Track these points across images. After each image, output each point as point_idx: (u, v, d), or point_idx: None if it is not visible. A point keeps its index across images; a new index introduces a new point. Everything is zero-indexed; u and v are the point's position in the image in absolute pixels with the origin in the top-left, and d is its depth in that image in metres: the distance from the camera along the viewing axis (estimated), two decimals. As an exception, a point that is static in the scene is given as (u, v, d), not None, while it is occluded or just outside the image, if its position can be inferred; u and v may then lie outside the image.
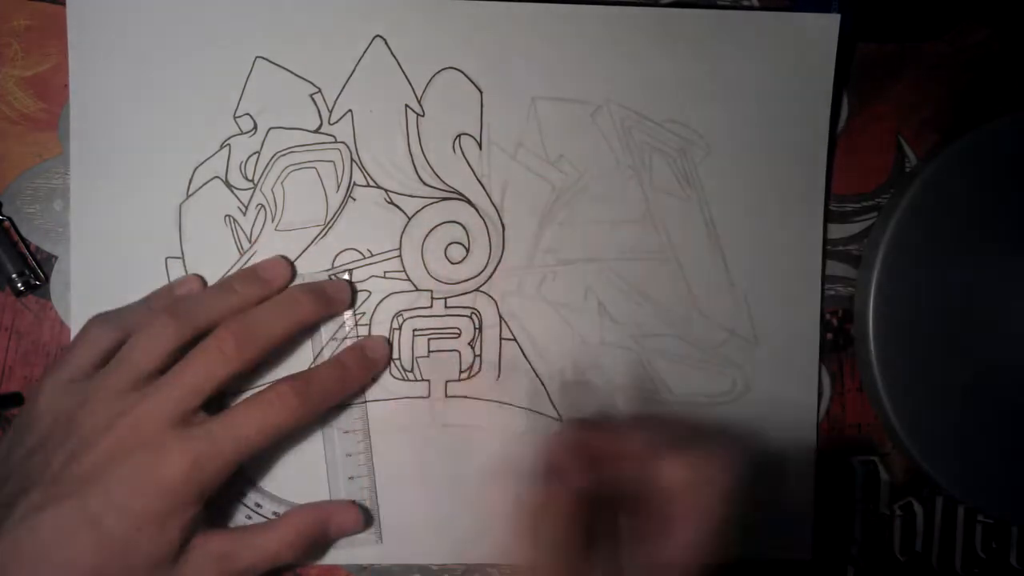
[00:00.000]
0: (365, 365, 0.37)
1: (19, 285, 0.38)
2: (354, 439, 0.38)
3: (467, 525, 0.39)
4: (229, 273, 0.38)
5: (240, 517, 0.37)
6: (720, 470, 0.31)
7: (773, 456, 0.40)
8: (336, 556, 0.38)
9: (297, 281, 0.38)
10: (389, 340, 0.38)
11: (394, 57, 0.38)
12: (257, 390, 0.36)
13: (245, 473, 0.37)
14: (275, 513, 0.37)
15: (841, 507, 0.41)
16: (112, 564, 0.31)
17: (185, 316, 0.34)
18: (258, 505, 0.38)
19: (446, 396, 0.39)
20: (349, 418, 0.38)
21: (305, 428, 0.37)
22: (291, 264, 0.38)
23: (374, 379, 0.38)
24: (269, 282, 0.37)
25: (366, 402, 0.38)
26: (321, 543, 0.37)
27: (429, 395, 0.39)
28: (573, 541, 0.31)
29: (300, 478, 0.38)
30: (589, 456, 0.32)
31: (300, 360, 0.38)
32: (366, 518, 0.38)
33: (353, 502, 0.38)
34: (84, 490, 0.31)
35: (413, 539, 0.39)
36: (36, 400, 0.34)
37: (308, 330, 0.38)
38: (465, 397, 0.39)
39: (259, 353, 0.34)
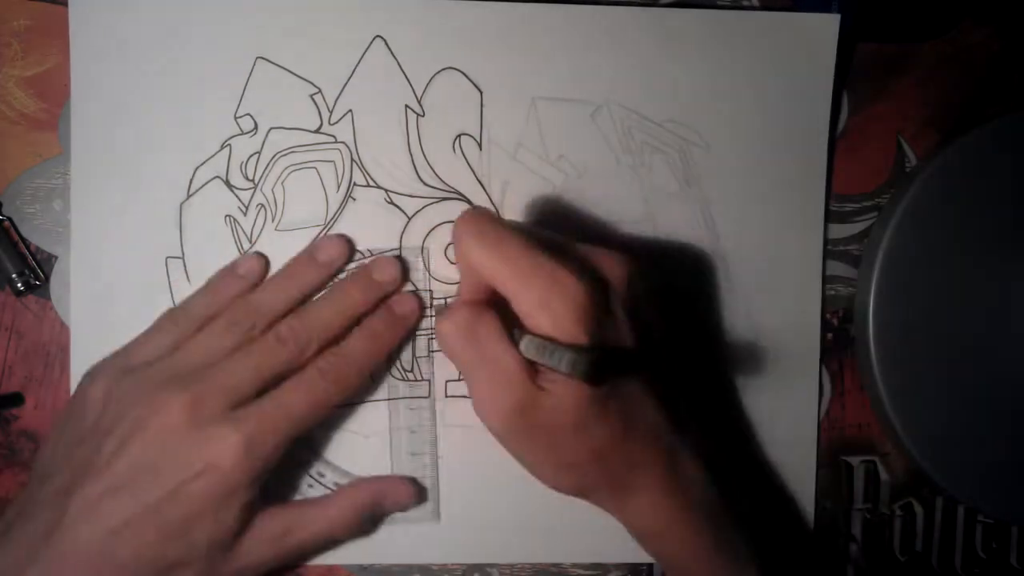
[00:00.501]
0: (396, 324, 0.37)
1: (19, 285, 0.38)
2: (419, 416, 0.38)
3: (466, 524, 0.39)
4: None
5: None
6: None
7: (773, 456, 0.40)
8: (336, 556, 0.38)
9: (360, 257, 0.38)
10: (418, 293, 0.38)
11: (394, 57, 0.38)
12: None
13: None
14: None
15: (841, 507, 0.41)
16: (173, 551, 0.32)
17: (246, 323, 0.34)
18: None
19: (446, 396, 0.39)
20: (416, 392, 0.38)
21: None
22: (349, 242, 0.38)
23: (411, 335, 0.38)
24: (326, 265, 0.37)
25: (368, 401, 0.38)
26: (376, 518, 0.38)
27: (429, 395, 0.39)
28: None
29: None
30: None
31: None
32: (420, 493, 0.38)
33: (406, 477, 0.38)
34: (139, 478, 0.31)
35: (412, 538, 0.39)
36: (88, 388, 0.34)
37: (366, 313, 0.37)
38: (465, 397, 0.39)
39: (316, 346, 0.34)
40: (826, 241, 0.40)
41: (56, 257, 0.38)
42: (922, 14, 0.41)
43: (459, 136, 0.39)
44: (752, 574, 0.34)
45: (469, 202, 0.39)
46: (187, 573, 0.32)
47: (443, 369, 0.39)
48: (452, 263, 0.39)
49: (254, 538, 0.33)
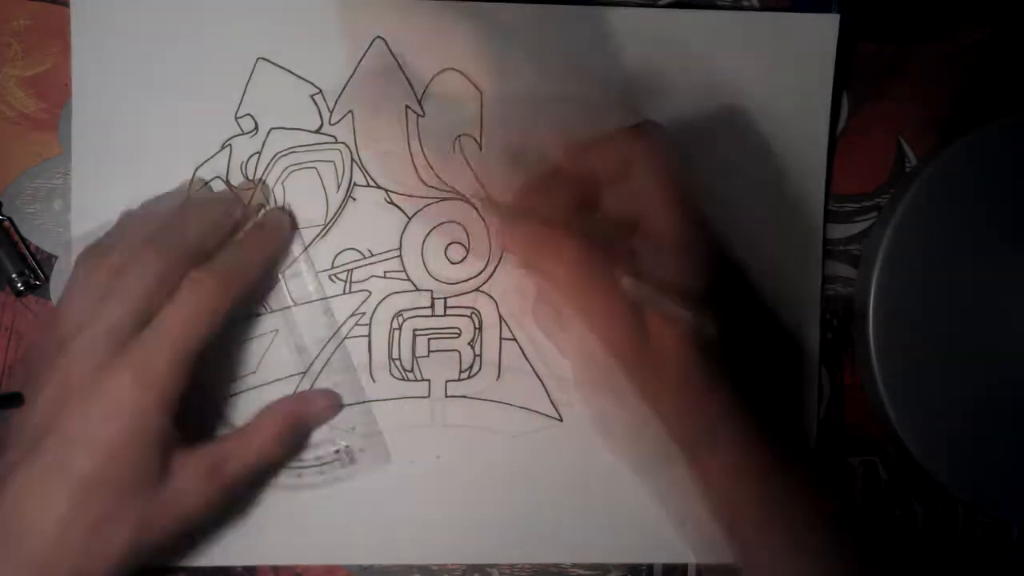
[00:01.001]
0: (265, 235, 0.37)
1: (19, 285, 0.38)
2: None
3: (467, 524, 0.39)
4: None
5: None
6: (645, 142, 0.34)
7: (773, 456, 0.40)
8: (336, 556, 0.38)
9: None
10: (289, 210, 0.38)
11: (395, 58, 0.38)
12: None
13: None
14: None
15: (841, 507, 0.41)
16: (93, 502, 0.31)
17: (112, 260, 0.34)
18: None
19: (446, 396, 0.39)
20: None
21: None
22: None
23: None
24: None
25: (368, 401, 0.38)
26: (303, 433, 0.38)
27: (429, 395, 0.39)
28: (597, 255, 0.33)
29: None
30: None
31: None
32: (338, 404, 0.38)
33: (323, 390, 0.38)
34: (42, 440, 0.31)
35: (412, 538, 0.39)
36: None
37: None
38: (465, 397, 0.39)
39: (181, 252, 0.34)
40: (826, 241, 0.41)
41: (56, 257, 0.38)
42: (922, 14, 0.41)
43: (459, 136, 0.39)
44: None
45: (469, 202, 0.39)
46: (120, 527, 0.32)
47: (443, 369, 0.39)
48: (452, 263, 0.39)
49: (182, 477, 0.33)
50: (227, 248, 0.36)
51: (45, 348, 0.33)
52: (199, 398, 0.34)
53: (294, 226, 0.38)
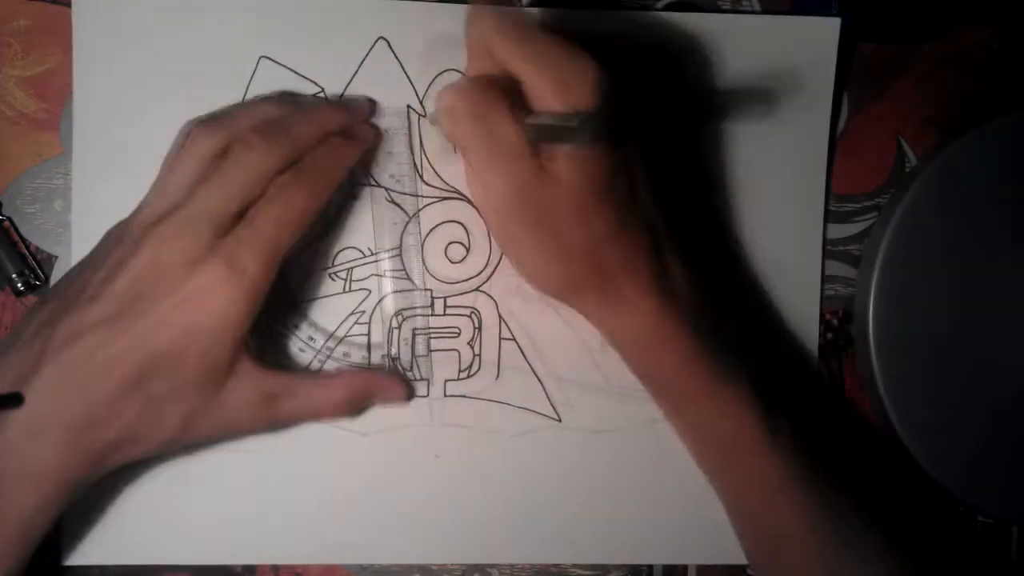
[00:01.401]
0: (355, 141, 0.36)
1: (19, 285, 0.38)
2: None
3: (466, 525, 0.39)
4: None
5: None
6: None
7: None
8: (336, 556, 0.38)
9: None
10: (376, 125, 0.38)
11: (396, 59, 0.38)
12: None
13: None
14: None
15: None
16: (158, 381, 0.31)
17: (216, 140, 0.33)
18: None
19: (445, 395, 0.39)
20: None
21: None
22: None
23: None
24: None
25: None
26: (363, 408, 0.38)
27: (428, 394, 0.39)
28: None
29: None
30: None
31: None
32: (410, 393, 0.38)
33: (401, 377, 0.38)
34: (125, 309, 0.31)
35: (412, 538, 0.39)
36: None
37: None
38: (464, 396, 0.39)
39: (286, 147, 0.33)
40: (826, 241, 0.41)
41: (56, 257, 0.38)
42: (922, 14, 0.41)
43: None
44: (743, 395, 0.34)
45: (470, 202, 0.39)
46: (175, 408, 0.32)
47: (442, 369, 0.39)
48: (452, 263, 0.39)
49: (243, 390, 0.33)
50: (319, 150, 0.35)
51: (132, 219, 0.33)
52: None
53: (379, 137, 0.38)
